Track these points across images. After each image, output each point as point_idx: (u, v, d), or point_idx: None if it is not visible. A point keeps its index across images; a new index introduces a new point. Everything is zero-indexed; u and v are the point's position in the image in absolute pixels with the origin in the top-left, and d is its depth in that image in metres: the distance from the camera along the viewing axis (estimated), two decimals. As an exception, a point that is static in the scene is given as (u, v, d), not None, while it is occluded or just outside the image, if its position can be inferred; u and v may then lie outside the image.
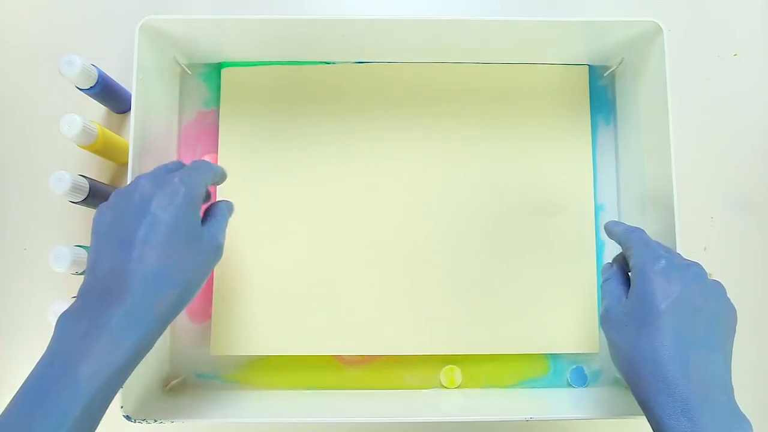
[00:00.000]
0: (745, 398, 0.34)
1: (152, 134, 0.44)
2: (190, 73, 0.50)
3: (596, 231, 0.49)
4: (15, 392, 0.30)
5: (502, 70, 0.50)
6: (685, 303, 0.34)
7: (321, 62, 0.50)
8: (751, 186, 0.52)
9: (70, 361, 0.30)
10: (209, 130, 0.50)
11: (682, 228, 0.41)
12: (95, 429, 0.31)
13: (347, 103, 0.49)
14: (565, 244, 0.48)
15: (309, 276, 0.48)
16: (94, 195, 0.44)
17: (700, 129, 0.52)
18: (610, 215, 0.50)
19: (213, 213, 0.38)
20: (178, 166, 0.37)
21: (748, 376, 0.35)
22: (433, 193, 0.49)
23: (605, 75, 0.51)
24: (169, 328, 0.44)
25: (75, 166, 0.50)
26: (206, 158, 0.49)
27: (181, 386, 0.47)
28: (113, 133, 0.47)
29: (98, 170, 0.50)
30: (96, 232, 0.34)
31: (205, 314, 0.48)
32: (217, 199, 0.40)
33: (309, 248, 0.48)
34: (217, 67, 0.50)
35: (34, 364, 0.31)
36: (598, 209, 0.50)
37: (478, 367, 0.48)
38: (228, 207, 0.40)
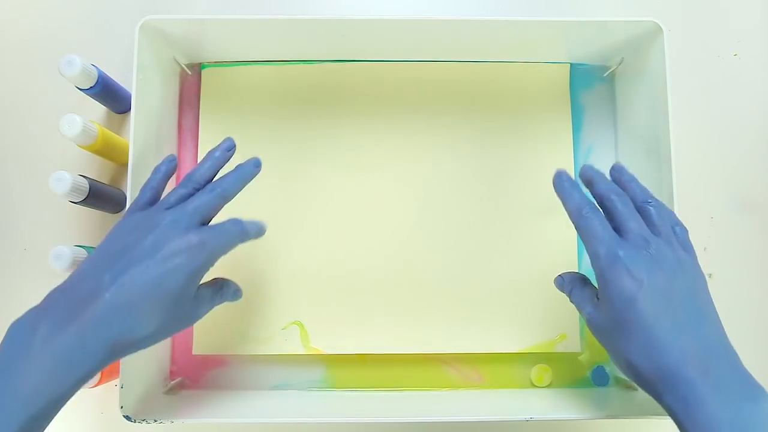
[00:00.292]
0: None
1: (152, 134, 0.44)
2: (190, 73, 0.50)
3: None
4: None
5: (501, 70, 0.50)
6: (656, 292, 0.32)
7: (318, 61, 0.50)
8: (751, 186, 0.52)
9: (10, 379, 0.29)
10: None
11: (682, 228, 0.41)
12: None
13: (333, 102, 0.49)
14: (550, 243, 0.48)
15: (294, 275, 0.48)
16: (94, 195, 0.44)
17: (700, 129, 0.52)
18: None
19: (216, 287, 0.38)
20: (196, 184, 0.37)
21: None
22: (425, 190, 0.49)
23: (605, 75, 0.51)
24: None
25: (75, 166, 0.50)
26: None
27: (181, 386, 0.47)
28: (113, 133, 0.47)
29: (98, 170, 0.50)
30: (103, 247, 0.34)
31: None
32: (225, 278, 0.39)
33: (294, 249, 0.48)
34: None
35: None
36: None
37: (476, 367, 0.48)
38: (235, 295, 0.40)
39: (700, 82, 0.53)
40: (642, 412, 0.41)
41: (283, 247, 0.48)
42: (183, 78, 0.50)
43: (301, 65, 0.50)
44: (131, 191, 0.40)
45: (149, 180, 0.39)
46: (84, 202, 0.43)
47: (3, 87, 0.51)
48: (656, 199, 0.37)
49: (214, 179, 0.38)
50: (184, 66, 0.49)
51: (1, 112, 0.51)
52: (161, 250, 0.33)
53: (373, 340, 0.47)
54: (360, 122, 0.49)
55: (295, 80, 0.50)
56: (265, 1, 0.53)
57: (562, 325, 0.47)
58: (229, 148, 0.39)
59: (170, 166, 0.39)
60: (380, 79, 0.50)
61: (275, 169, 0.49)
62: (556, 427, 0.49)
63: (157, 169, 0.39)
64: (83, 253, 0.42)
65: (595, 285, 0.36)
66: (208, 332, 0.47)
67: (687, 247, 0.36)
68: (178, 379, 0.47)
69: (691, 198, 0.50)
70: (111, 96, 0.47)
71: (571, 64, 0.50)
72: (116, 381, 0.43)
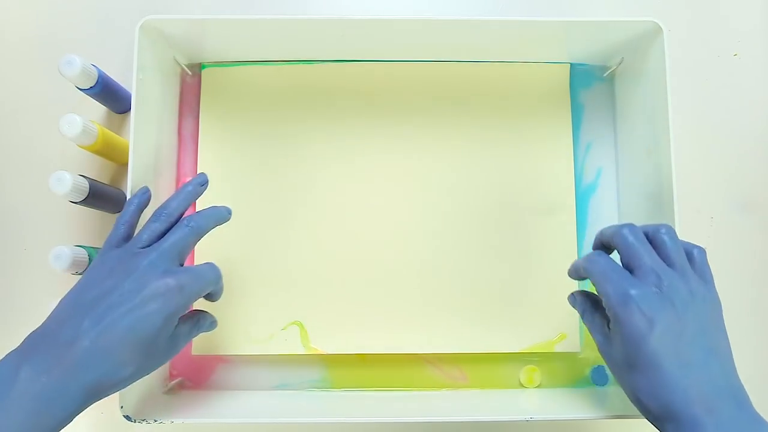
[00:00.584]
0: (745, 398, 0.34)
1: (152, 134, 0.44)
2: (190, 73, 0.50)
3: (577, 230, 0.49)
4: None
5: (501, 70, 0.50)
6: (666, 331, 0.32)
7: (318, 61, 0.50)
8: (751, 186, 0.52)
9: None
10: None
11: (682, 228, 0.41)
12: None
13: (333, 102, 0.49)
14: (550, 243, 0.48)
15: (294, 276, 0.48)
16: (94, 195, 0.44)
17: (700, 129, 0.52)
18: (609, 215, 0.50)
19: (194, 321, 0.39)
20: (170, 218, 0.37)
21: (747, 376, 0.35)
22: (424, 191, 0.49)
23: (605, 75, 0.51)
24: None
25: (75, 166, 0.50)
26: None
27: (181, 386, 0.47)
28: (113, 133, 0.47)
29: (98, 170, 0.50)
30: (82, 289, 0.34)
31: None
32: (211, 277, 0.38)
33: (295, 249, 0.48)
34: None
35: None
36: (597, 209, 0.50)
37: (476, 367, 0.48)
38: (211, 326, 0.41)
39: (700, 82, 0.53)
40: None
41: (283, 247, 0.48)
42: (183, 78, 0.50)
43: (301, 65, 0.50)
44: (131, 191, 0.40)
45: (122, 214, 0.39)
46: (84, 202, 0.43)
47: (3, 87, 0.51)
48: (668, 226, 0.36)
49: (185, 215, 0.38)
50: (184, 66, 0.49)
51: (1, 112, 0.51)
52: (139, 295, 0.33)
53: (373, 340, 0.47)
54: (360, 122, 0.49)
55: (295, 80, 0.50)
56: (265, 1, 0.53)
57: (561, 324, 0.47)
58: (202, 183, 0.40)
59: (143, 199, 0.40)
60: (380, 79, 0.50)
61: (275, 169, 0.49)
62: (556, 427, 0.49)
63: (129, 202, 0.39)
64: (83, 252, 0.42)
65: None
66: (207, 332, 0.47)
67: (704, 273, 0.36)
68: (177, 380, 0.47)
69: (691, 198, 0.51)
70: (111, 96, 0.47)
71: (571, 64, 0.50)
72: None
